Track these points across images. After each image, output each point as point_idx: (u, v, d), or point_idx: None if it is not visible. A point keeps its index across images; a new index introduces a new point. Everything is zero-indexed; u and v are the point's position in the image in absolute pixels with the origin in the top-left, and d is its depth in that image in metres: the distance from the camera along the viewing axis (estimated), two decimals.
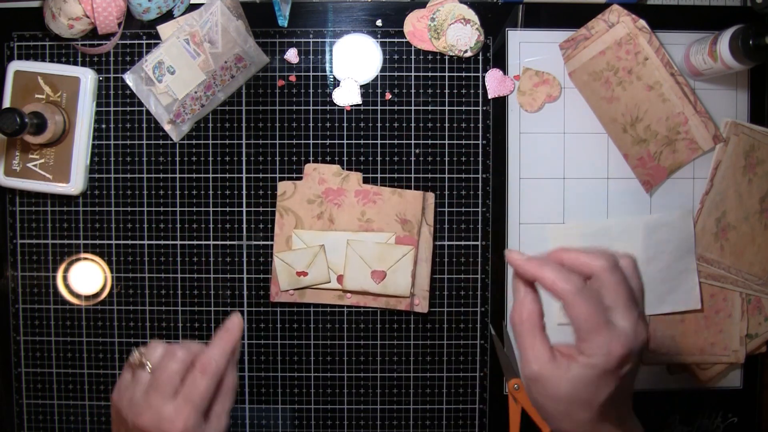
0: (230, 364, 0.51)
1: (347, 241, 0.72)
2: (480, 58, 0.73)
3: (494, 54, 0.73)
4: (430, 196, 0.73)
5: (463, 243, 0.74)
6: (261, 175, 0.73)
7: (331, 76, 0.73)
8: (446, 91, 0.73)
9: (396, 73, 0.73)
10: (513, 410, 0.72)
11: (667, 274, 0.72)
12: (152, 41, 0.73)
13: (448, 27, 0.72)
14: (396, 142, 0.73)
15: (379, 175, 0.73)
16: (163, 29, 0.72)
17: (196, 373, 0.48)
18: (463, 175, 0.73)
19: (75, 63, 0.73)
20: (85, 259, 0.74)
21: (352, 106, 0.73)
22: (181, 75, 0.71)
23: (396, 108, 0.73)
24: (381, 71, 0.73)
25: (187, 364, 0.49)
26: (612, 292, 0.45)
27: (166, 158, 0.73)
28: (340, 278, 0.72)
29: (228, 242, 0.74)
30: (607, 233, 0.73)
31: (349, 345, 0.74)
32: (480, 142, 0.73)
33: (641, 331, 0.45)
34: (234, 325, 0.52)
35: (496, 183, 0.74)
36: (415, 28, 0.72)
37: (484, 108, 0.73)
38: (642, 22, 0.71)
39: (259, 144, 0.73)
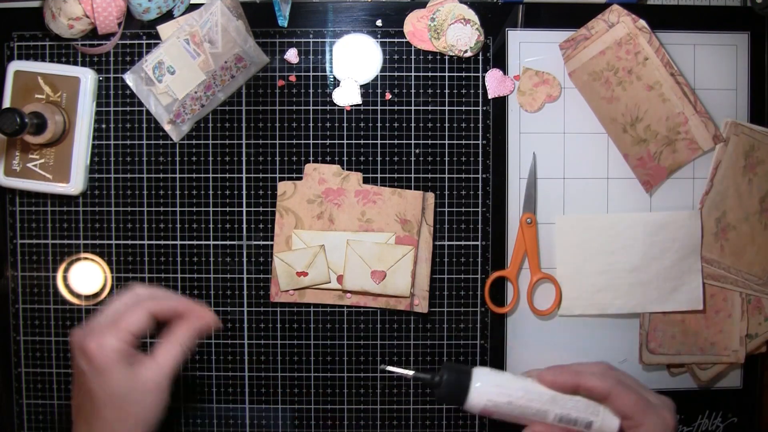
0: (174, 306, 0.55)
1: (347, 241, 0.72)
2: (480, 58, 0.73)
3: (494, 54, 0.73)
4: (430, 196, 0.73)
5: (463, 243, 0.74)
6: (261, 175, 0.73)
7: (331, 76, 0.73)
8: (446, 91, 0.73)
9: (396, 73, 0.73)
10: (519, 242, 0.73)
11: (671, 273, 0.72)
12: (152, 41, 0.73)
13: (448, 27, 0.72)
14: (396, 142, 0.73)
15: (379, 175, 0.73)
16: (163, 29, 0.72)
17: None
18: (463, 175, 0.73)
19: (75, 63, 0.73)
20: (85, 259, 0.74)
21: (352, 106, 0.73)
22: (181, 75, 0.71)
23: (396, 108, 0.73)
24: (381, 71, 0.73)
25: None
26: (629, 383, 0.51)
27: (166, 158, 0.73)
28: (340, 278, 0.72)
29: (228, 242, 0.74)
30: (610, 229, 0.72)
31: (349, 345, 0.74)
32: (480, 142, 0.73)
33: (668, 401, 0.52)
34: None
35: (496, 183, 0.74)
36: (415, 28, 0.72)
37: (484, 108, 0.73)
38: (642, 22, 0.71)
39: (259, 144, 0.73)
